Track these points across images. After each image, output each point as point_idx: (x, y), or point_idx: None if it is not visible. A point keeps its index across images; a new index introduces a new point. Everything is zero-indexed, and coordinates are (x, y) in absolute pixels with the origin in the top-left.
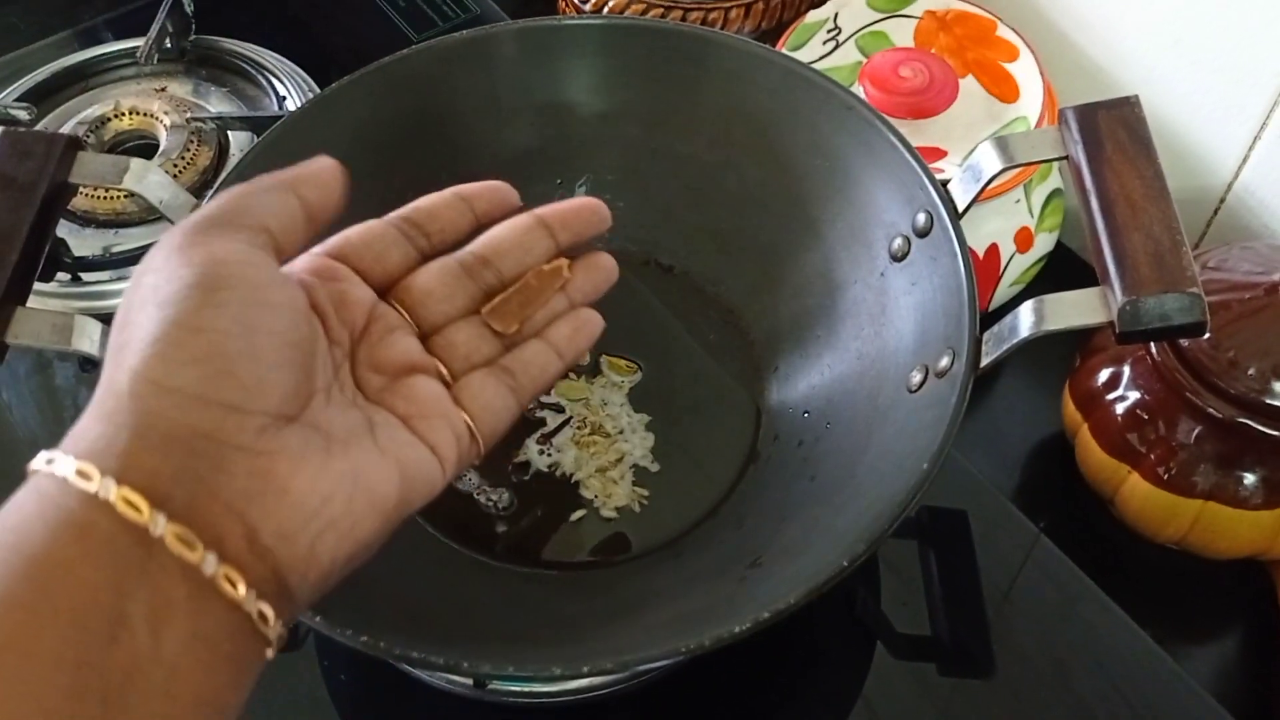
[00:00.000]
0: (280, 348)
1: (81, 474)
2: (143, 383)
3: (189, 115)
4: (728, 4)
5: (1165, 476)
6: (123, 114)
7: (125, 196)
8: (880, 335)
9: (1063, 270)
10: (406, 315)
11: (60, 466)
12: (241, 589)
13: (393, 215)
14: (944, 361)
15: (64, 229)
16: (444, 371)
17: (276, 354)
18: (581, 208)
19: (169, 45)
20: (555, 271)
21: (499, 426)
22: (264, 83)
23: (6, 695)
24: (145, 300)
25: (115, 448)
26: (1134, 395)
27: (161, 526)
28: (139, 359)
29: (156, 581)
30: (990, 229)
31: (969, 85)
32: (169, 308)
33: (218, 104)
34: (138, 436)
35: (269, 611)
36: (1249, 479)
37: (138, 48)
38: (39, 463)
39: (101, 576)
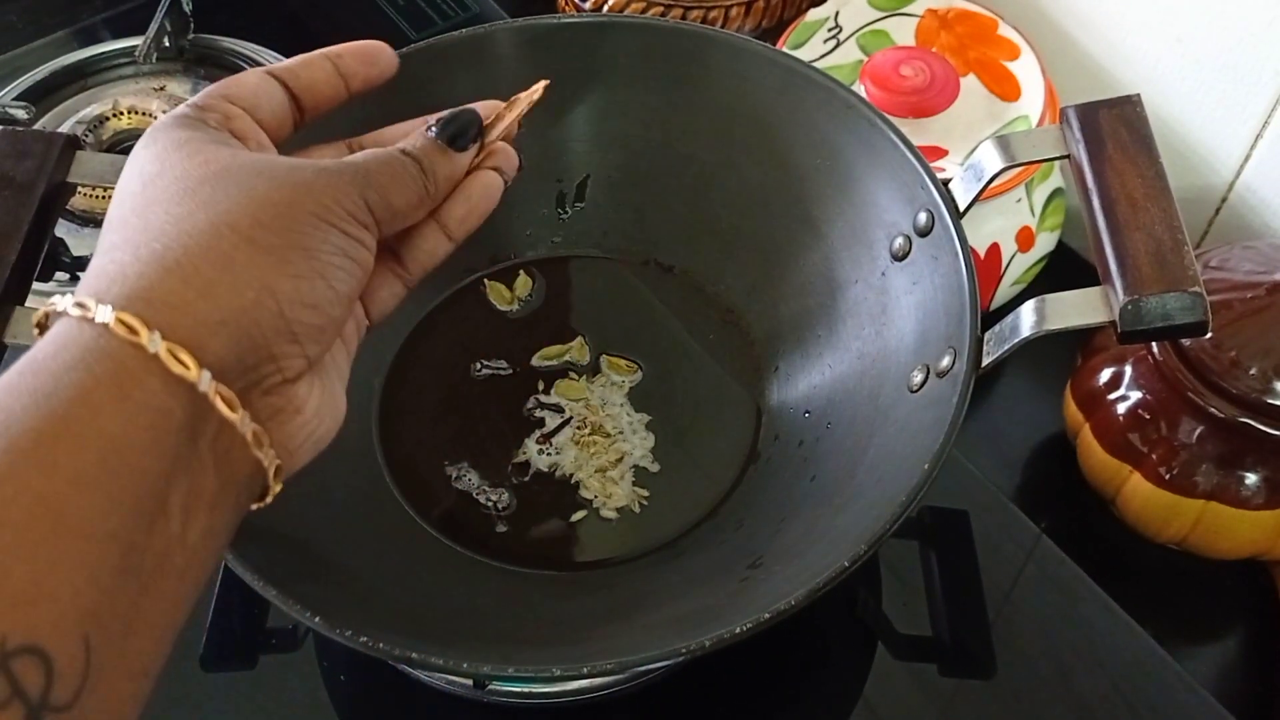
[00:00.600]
0: (350, 312)
1: (179, 360)
2: (267, 295)
3: None
4: (728, 3)
5: (1167, 476)
6: (121, 113)
7: None
8: (881, 335)
9: (1064, 270)
10: None
11: (153, 343)
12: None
13: (272, 71)
14: (945, 361)
15: (63, 228)
16: None
17: (345, 321)
18: (369, 54)
19: (167, 44)
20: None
21: (386, 314)
22: None
23: (71, 565)
24: (283, 212)
25: (213, 343)
26: (1135, 395)
27: (249, 425)
28: (275, 275)
29: (194, 476)
30: (991, 228)
31: (970, 84)
32: (315, 253)
33: None
34: (232, 341)
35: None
36: (1251, 479)
37: (136, 47)
38: (105, 315)
39: (161, 467)
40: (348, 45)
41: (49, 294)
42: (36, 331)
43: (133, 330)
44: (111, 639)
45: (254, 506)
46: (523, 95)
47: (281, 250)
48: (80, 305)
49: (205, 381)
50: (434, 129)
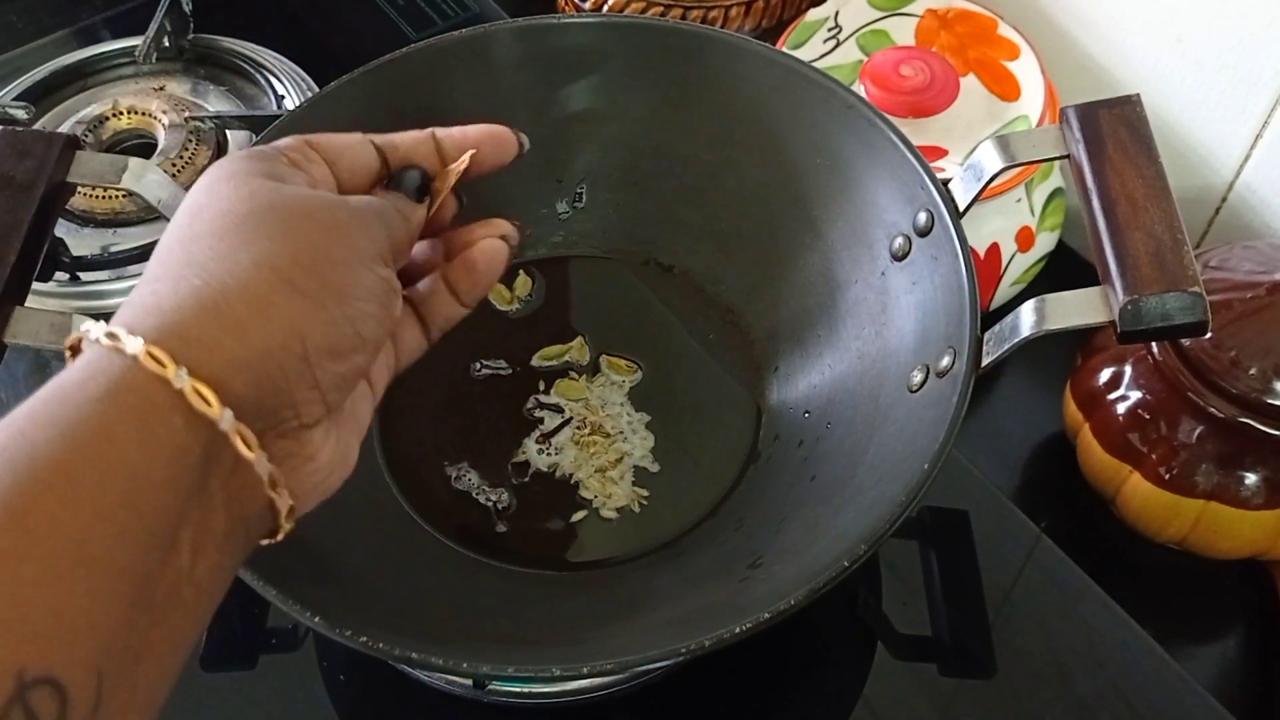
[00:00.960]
0: (375, 359)
1: (202, 397)
2: (296, 341)
3: (187, 114)
4: (728, 2)
5: (1167, 476)
6: (121, 113)
7: (124, 196)
8: (881, 335)
9: (1064, 269)
10: None
11: (179, 379)
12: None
13: (373, 140)
14: (945, 361)
15: (62, 228)
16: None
17: (368, 370)
18: (484, 136)
19: (167, 44)
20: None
21: (409, 364)
22: (262, 82)
23: (89, 598)
24: (320, 256)
25: (236, 383)
26: (1135, 395)
27: (265, 466)
28: (307, 322)
29: (205, 514)
30: (991, 228)
31: (970, 84)
32: (348, 298)
33: (216, 103)
34: (255, 383)
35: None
36: (1250, 479)
37: (136, 47)
38: (135, 346)
39: (176, 502)
40: (465, 129)
41: (49, 294)
42: (69, 354)
43: (160, 364)
44: (122, 671)
45: (264, 542)
46: (451, 168)
47: (318, 294)
48: (111, 335)
49: (227, 420)
50: (389, 183)
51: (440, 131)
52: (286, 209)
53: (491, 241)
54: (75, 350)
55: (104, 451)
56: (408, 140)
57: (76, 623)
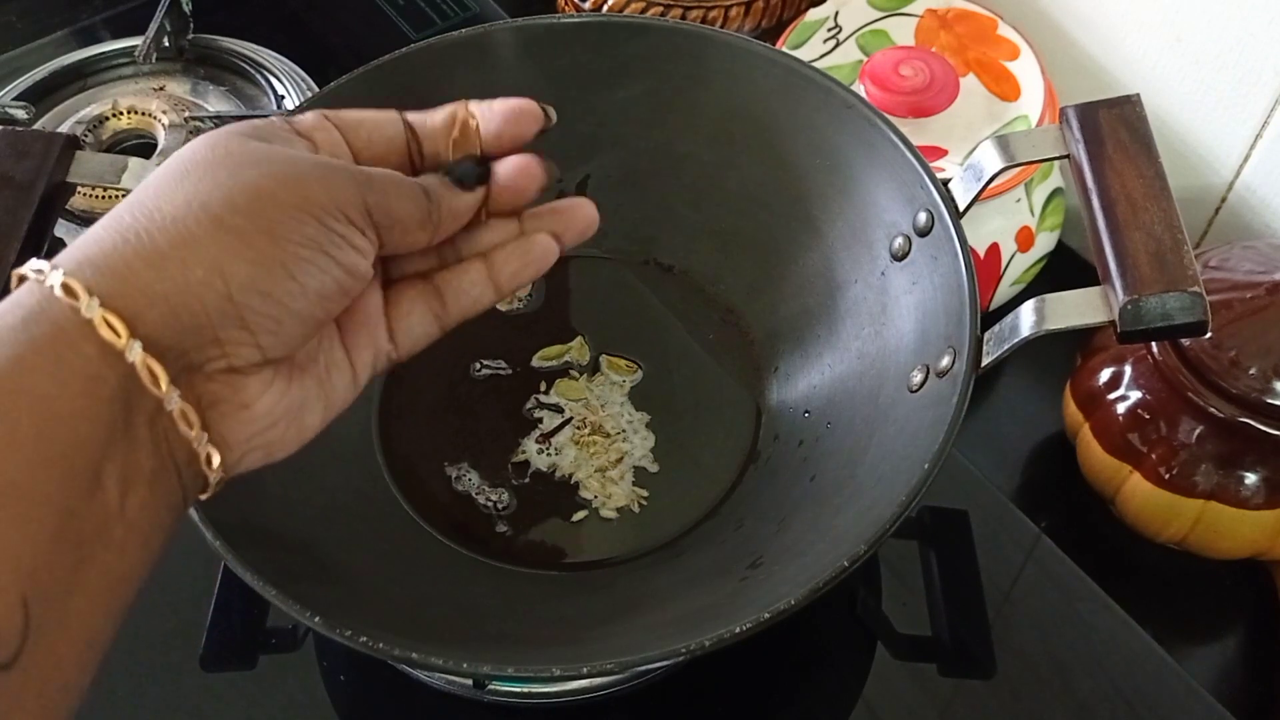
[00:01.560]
0: (322, 321)
1: (110, 327)
2: (215, 275)
3: (187, 114)
4: (728, 2)
5: (1166, 476)
6: (121, 113)
7: (124, 196)
8: (881, 335)
9: (1064, 269)
10: None
11: (90, 308)
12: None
13: (405, 117)
14: (945, 361)
15: (62, 229)
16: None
17: (317, 325)
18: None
19: (167, 44)
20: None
21: (415, 349)
22: (262, 82)
23: (5, 525)
24: (264, 200)
25: (149, 313)
26: (1135, 395)
27: (175, 402)
28: (229, 256)
29: (130, 450)
30: (991, 228)
31: (970, 84)
32: (283, 240)
33: (216, 103)
34: (170, 315)
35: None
36: (1250, 479)
37: (136, 47)
38: (54, 279)
39: (95, 434)
40: (495, 102)
41: None
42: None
43: (73, 294)
44: (51, 604)
45: (203, 497)
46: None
47: (247, 233)
48: (38, 270)
49: (134, 351)
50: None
51: (477, 105)
52: (241, 157)
53: (547, 238)
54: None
55: (16, 380)
56: (439, 120)
57: None
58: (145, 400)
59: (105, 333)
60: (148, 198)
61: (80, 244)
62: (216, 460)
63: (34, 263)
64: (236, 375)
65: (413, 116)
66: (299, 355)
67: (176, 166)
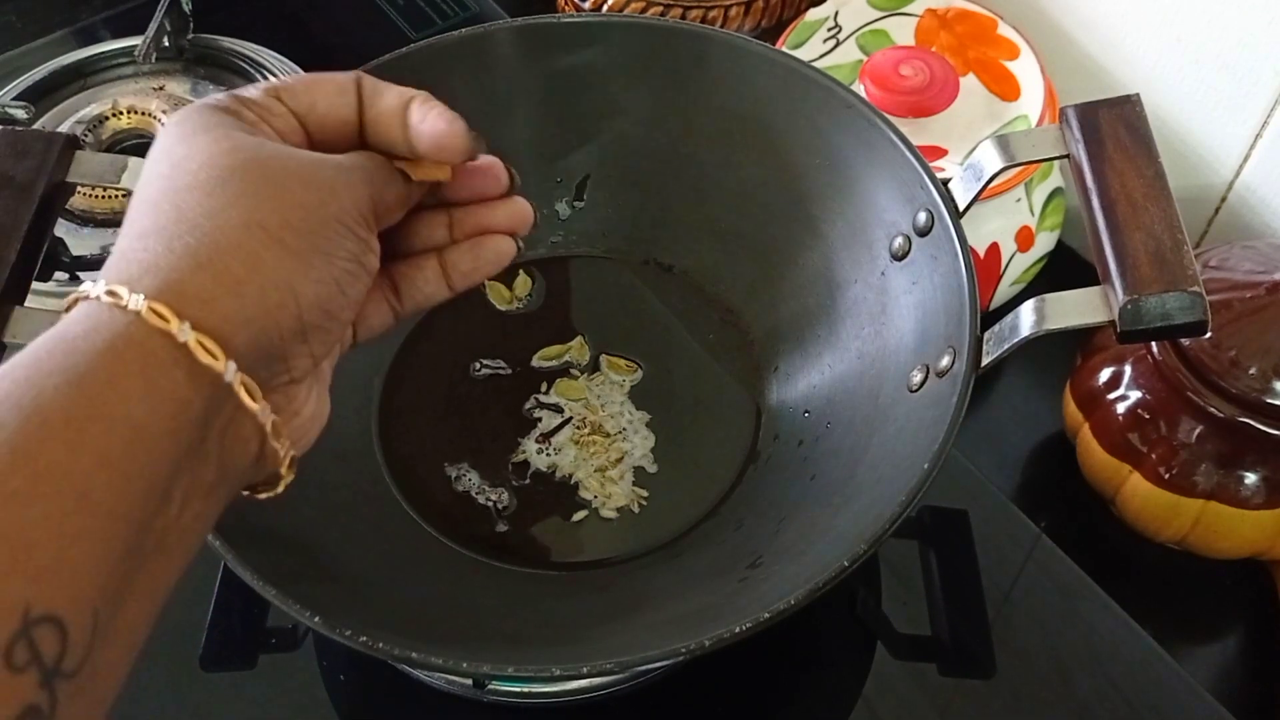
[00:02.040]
0: (355, 315)
1: (206, 350)
2: (289, 297)
3: None
4: (728, 2)
5: (1166, 476)
6: (121, 113)
7: (123, 196)
8: (881, 334)
9: (1064, 269)
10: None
11: (183, 332)
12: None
13: (360, 80)
14: (945, 361)
15: (62, 228)
16: None
17: (353, 319)
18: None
19: (167, 44)
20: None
21: (369, 338)
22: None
23: (92, 542)
24: (310, 218)
25: (238, 338)
26: (1135, 395)
27: (269, 415)
28: (299, 279)
29: (198, 467)
30: (991, 228)
31: (970, 84)
32: (333, 257)
33: None
34: (253, 337)
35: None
36: (1250, 478)
37: (136, 46)
38: (137, 304)
39: (176, 455)
40: (443, 130)
41: (49, 294)
42: (65, 310)
43: (164, 319)
44: (112, 612)
45: (264, 495)
46: (427, 164)
47: (306, 254)
48: (112, 293)
49: (231, 372)
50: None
51: (415, 113)
52: (272, 166)
53: (505, 240)
54: (71, 309)
55: (109, 402)
56: (388, 103)
57: (78, 565)
58: (221, 418)
59: (202, 356)
60: (197, 214)
61: (143, 264)
62: (288, 462)
63: (100, 284)
64: (293, 386)
65: (367, 86)
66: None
67: (208, 176)
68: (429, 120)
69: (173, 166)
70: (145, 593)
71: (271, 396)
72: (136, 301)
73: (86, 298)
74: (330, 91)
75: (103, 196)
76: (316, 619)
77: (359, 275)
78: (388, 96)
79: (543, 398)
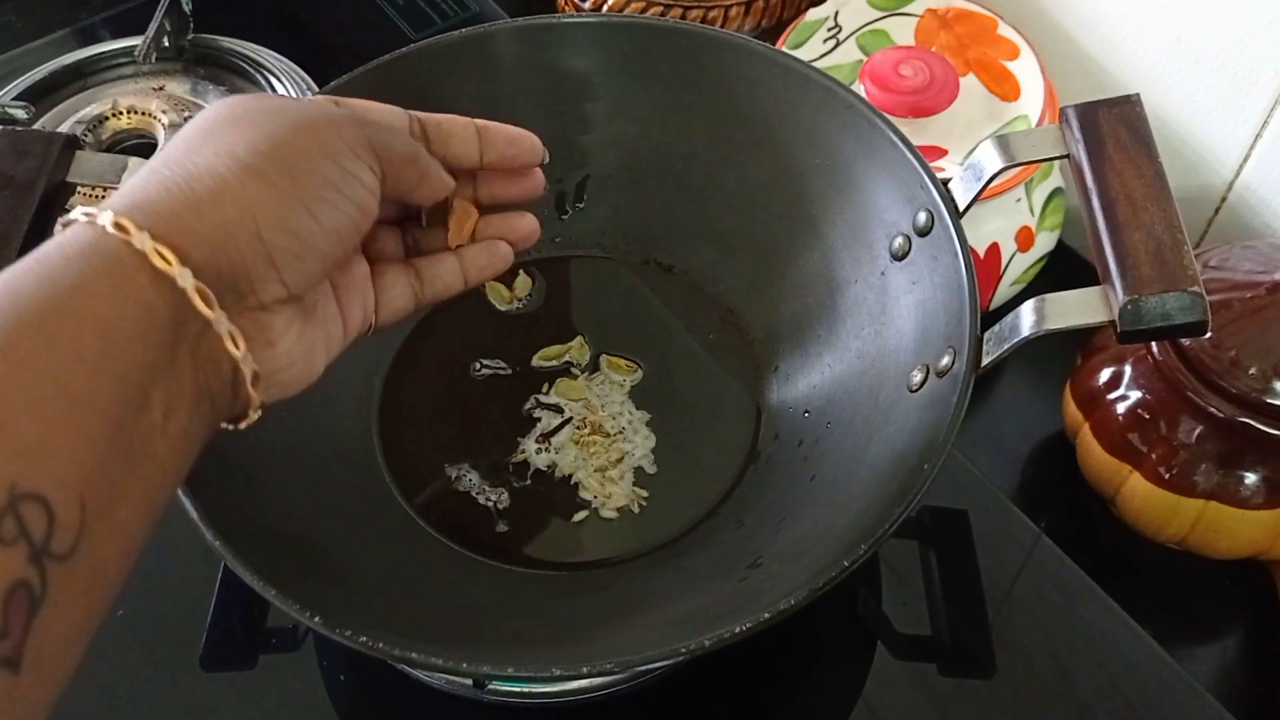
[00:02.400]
0: (338, 257)
1: (162, 257)
2: (246, 214)
3: (187, 114)
4: (728, 2)
5: (1166, 476)
6: (121, 113)
7: None
8: (881, 334)
9: (1064, 269)
10: None
11: (141, 240)
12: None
13: (413, 114)
14: (945, 361)
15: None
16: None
17: (334, 261)
18: (515, 137)
19: (167, 44)
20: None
21: (393, 319)
22: (262, 81)
23: (71, 429)
24: (284, 146)
25: (193, 249)
26: (1135, 395)
27: (225, 323)
28: (258, 197)
29: (174, 378)
30: (991, 228)
31: (970, 84)
32: (303, 181)
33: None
34: (210, 252)
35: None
36: (1250, 478)
37: (136, 46)
38: (105, 219)
39: (147, 358)
40: (498, 125)
41: None
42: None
43: (125, 230)
44: (102, 506)
45: (238, 426)
46: (464, 210)
47: (271, 176)
48: (87, 214)
49: (186, 278)
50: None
51: (482, 123)
52: (260, 109)
53: (506, 246)
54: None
55: (80, 302)
56: (451, 120)
57: (60, 450)
58: (190, 330)
59: (158, 262)
60: (180, 153)
61: (124, 193)
62: (251, 377)
63: (81, 208)
64: (265, 314)
65: (421, 116)
66: (309, 302)
67: (201, 124)
68: (496, 126)
69: (184, 130)
70: (139, 497)
71: (240, 320)
72: (105, 218)
73: (69, 220)
74: (386, 108)
75: (103, 197)
76: (316, 619)
77: (338, 204)
78: (450, 116)
79: (543, 398)
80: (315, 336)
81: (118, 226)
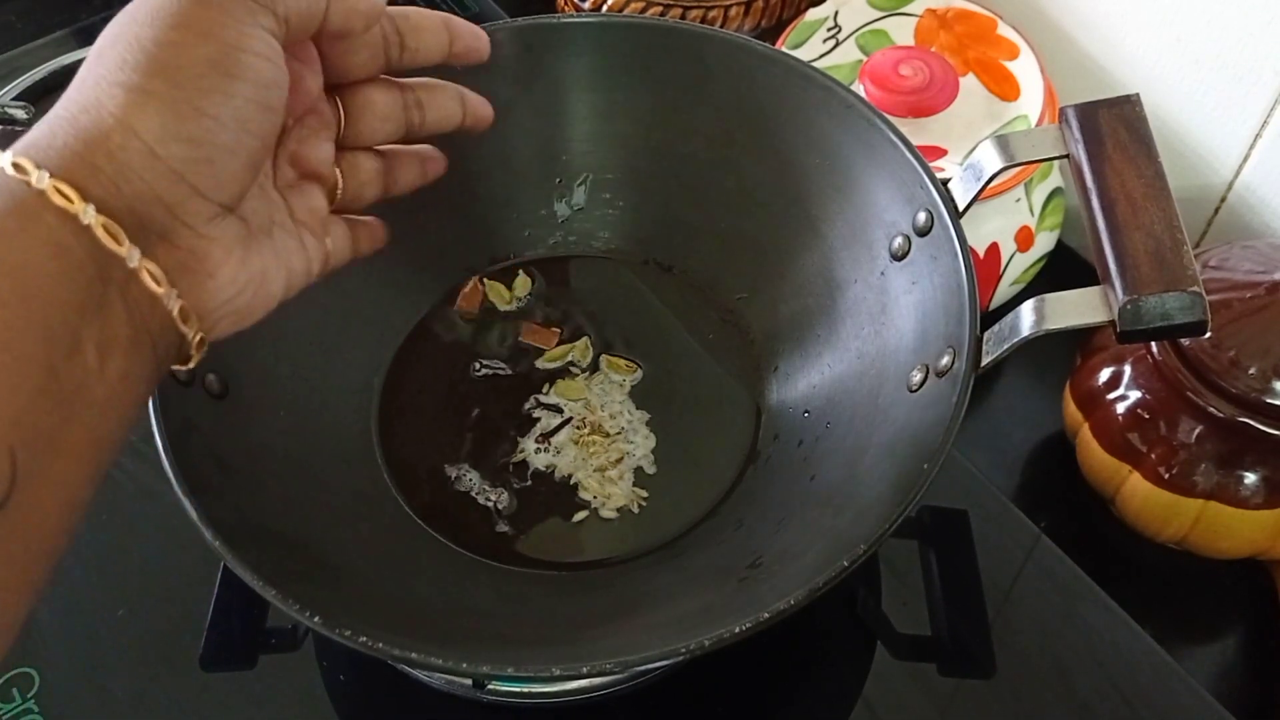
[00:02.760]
0: (258, 148)
1: (62, 194)
2: (130, 135)
3: None
4: (728, 2)
5: (1166, 476)
6: None
7: None
8: (880, 334)
9: (1063, 269)
10: (343, 120)
11: (39, 179)
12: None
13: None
14: (944, 361)
15: None
16: (338, 190)
17: (253, 153)
18: (478, 30)
19: None
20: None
21: (339, 264)
22: None
23: None
24: (154, 47)
25: (93, 184)
26: (1135, 395)
27: (136, 259)
28: (136, 113)
29: (106, 319)
30: (991, 228)
31: (969, 84)
32: (181, 78)
33: None
34: (111, 184)
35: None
36: (1250, 478)
37: None
38: (4, 160)
39: (72, 299)
40: (459, 19)
41: None
42: None
43: (24, 171)
44: (36, 456)
45: (182, 367)
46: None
47: (144, 85)
48: None
49: (89, 214)
50: None
51: (447, 16)
52: (133, 18)
53: (441, 161)
54: None
55: None
56: (420, 13)
57: None
58: (115, 270)
59: (59, 200)
60: (72, 90)
61: (24, 139)
62: (178, 312)
63: None
64: (202, 241)
65: (394, 13)
66: (255, 224)
67: (91, 53)
68: (458, 19)
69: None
70: (79, 445)
71: (174, 253)
72: (3, 159)
73: None
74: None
75: None
76: (316, 619)
77: (230, 88)
78: (412, 10)
79: (543, 398)
80: (265, 262)
81: (16, 167)
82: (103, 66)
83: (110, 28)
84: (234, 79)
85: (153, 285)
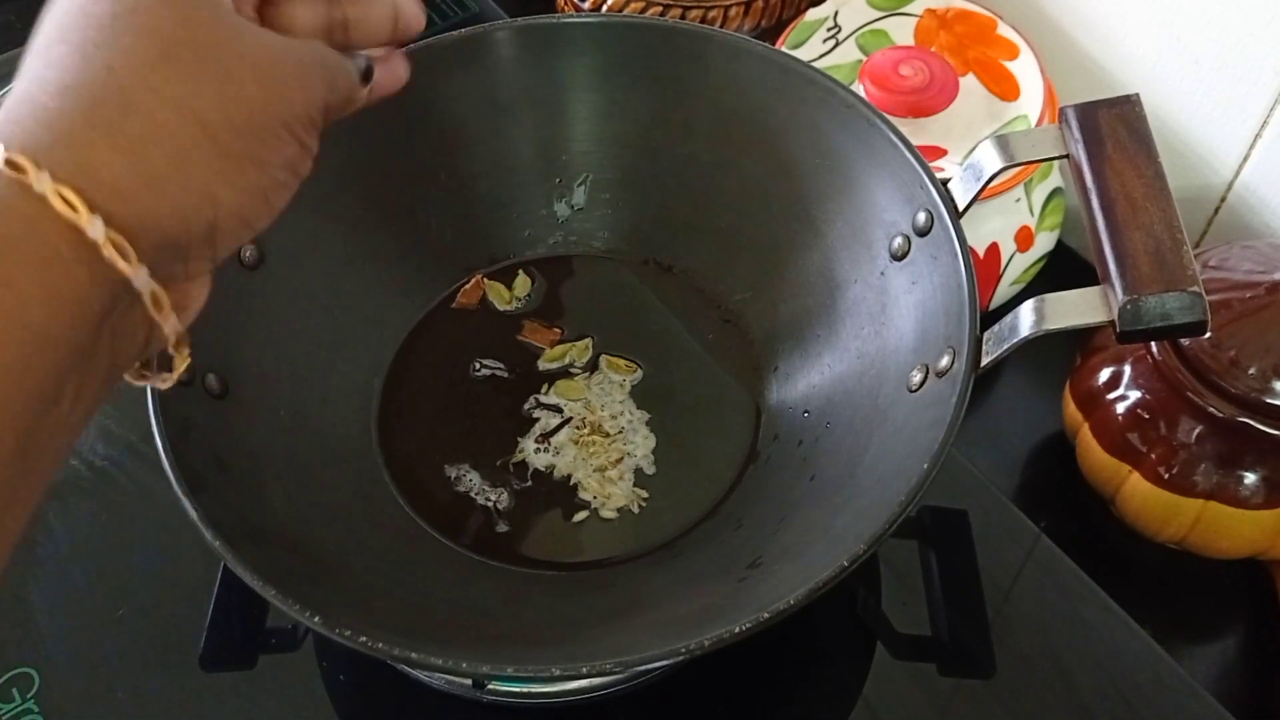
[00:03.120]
0: (268, 224)
1: (116, 247)
2: (202, 196)
3: None
4: (728, 2)
5: (1166, 476)
6: None
7: None
8: (880, 334)
9: (1063, 269)
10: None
11: (93, 226)
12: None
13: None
14: (944, 361)
15: None
16: None
17: (268, 223)
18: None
19: None
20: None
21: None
22: None
23: None
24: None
25: (135, 229)
26: (1135, 395)
27: (144, 278)
28: (219, 180)
29: (90, 368)
30: (991, 228)
31: (969, 84)
32: (267, 169)
33: None
34: (155, 228)
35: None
36: (1250, 478)
37: None
38: (44, 184)
39: (69, 359)
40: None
41: None
42: None
43: (73, 208)
44: None
45: (165, 385)
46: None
47: (239, 159)
48: (14, 164)
49: (142, 279)
50: (362, 62)
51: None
52: (226, 48)
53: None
54: None
55: (4, 306)
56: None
57: None
58: (113, 317)
59: (112, 255)
60: (130, 82)
61: (59, 131)
62: (175, 341)
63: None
64: (189, 284)
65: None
66: None
67: (154, 42)
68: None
69: (119, 21)
70: (29, 494)
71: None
72: (43, 182)
73: None
74: None
75: None
76: (316, 619)
77: (289, 185)
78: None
79: (542, 398)
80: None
81: (63, 200)
82: (187, 90)
83: (192, 30)
84: (298, 180)
85: (154, 314)
